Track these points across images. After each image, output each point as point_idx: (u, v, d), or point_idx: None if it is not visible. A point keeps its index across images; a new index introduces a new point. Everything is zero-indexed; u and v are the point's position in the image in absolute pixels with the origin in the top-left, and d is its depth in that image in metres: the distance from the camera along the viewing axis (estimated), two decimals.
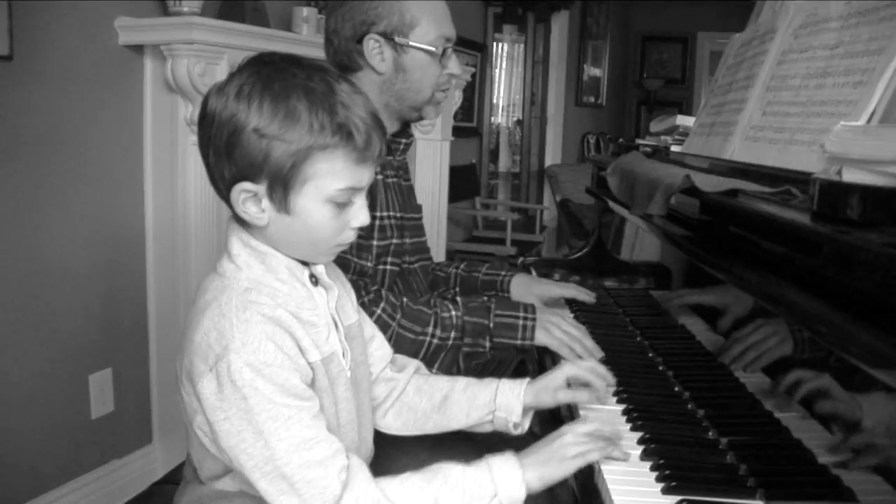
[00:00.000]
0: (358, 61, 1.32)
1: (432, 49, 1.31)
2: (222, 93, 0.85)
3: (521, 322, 1.27)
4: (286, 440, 0.82)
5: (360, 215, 0.90)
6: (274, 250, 0.89)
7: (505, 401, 1.04)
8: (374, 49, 1.30)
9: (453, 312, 1.27)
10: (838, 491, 0.74)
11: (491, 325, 1.27)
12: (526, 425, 1.06)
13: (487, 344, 1.28)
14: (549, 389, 1.05)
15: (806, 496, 0.80)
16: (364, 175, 0.88)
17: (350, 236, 0.91)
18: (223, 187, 0.87)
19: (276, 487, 0.83)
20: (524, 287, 1.51)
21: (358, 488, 0.84)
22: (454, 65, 1.36)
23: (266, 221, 0.87)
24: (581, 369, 1.07)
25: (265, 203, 0.86)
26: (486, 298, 1.31)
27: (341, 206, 0.87)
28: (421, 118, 1.40)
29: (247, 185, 0.85)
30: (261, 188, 0.85)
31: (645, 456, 0.93)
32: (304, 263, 0.93)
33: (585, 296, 1.49)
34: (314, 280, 0.94)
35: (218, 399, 0.83)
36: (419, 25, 1.29)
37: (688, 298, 1.29)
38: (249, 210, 0.86)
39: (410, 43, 1.29)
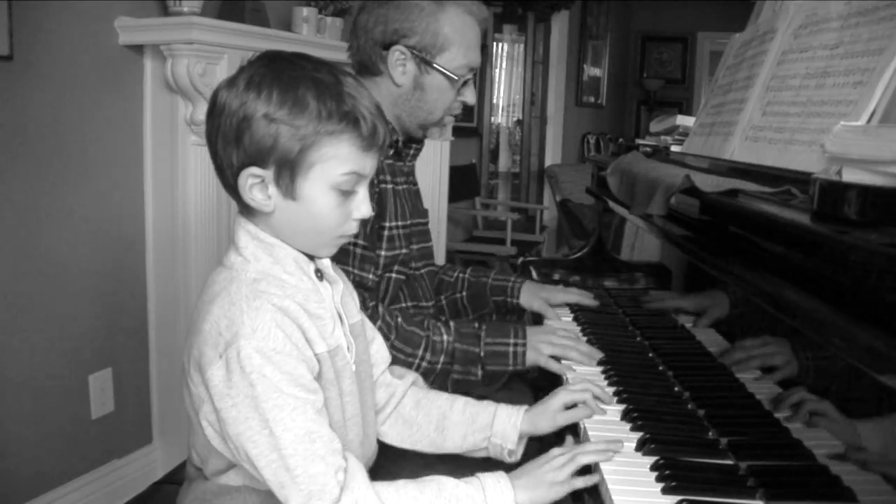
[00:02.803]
0: (379, 66, 1.31)
1: (454, 77, 1.30)
2: (232, 85, 0.87)
3: (511, 349, 1.27)
4: (291, 430, 0.83)
5: (362, 207, 0.91)
6: (281, 242, 0.91)
7: (501, 428, 1.05)
8: (398, 60, 1.29)
9: (445, 337, 1.26)
10: (838, 491, 0.74)
11: (482, 353, 1.26)
12: (520, 453, 1.06)
13: (479, 372, 1.27)
14: (546, 415, 1.05)
15: (806, 496, 0.80)
16: (368, 163, 0.90)
17: (353, 227, 0.93)
18: (231, 175, 0.88)
19: (278, 479, 0.83)
20: (532, 292, 1.52)
21: (357, 491, 0.84)
22: (470, 94, 1.36)
23: (272, 208, 0.88)
24: (575, 393, 1.07)
25: (272, 189, 0.87)
26: (476, 325, 1.30)
27: (345, 194, 0.89)
28: (424, 136, 1.41)
29: (255, 170, 0.86)
30: (268, 174, 0.87)
31: (645, 456, 0.93)
32: (310, 258, 0.94)
33: (589, 300, 1.50)
34: (319, 274, 0.95)
35: (226, 386, 0.83)
36: (448, 50, 1.29)
37: (669, 303, 1.29)
38: (256, 197, 0.88)
39: (435, 65, 1.29)
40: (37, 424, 1.85)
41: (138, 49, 2.00)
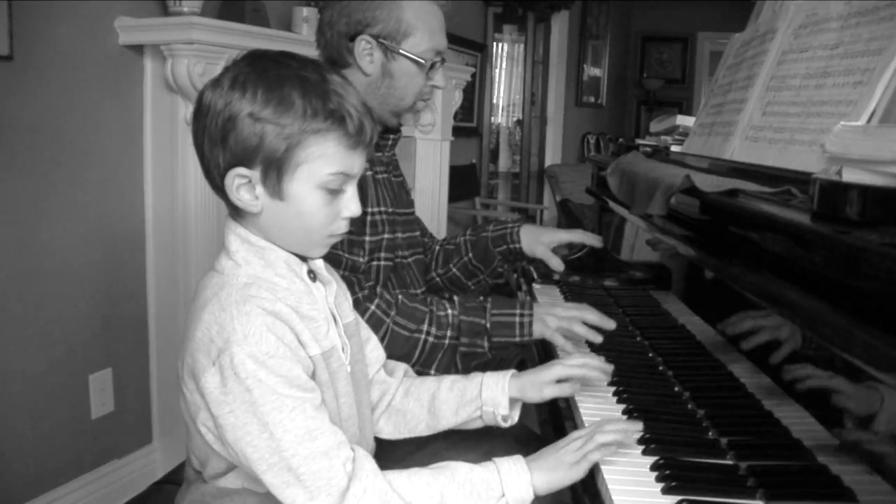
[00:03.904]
0: (347, 58, 1.32)
1: (421, 61, 1.31)
2: (217, 85, 0.87)
3: (517, 319, 1.27)
4: (291, 431, 0.82)
5: (351, 205, 0.91)
6: (272, 245, 0.90)
7: (490, 395, 1.04)
8: (365, 50, 1.30)
9: (449, 311, 1.27)
10: (838, 491, 0.74)
11: (488, 324, 1.27)
12: (516, 416, 1.06)
13: (486, 344, 1.27)
14: (535, 385, 1.05)
15: (806, 496, 0.80)
16: (356, 162, 0.89)
17: (342, 226, 0.92)
18: (217, 176, 0.88)
19: (281, 479, 0.83)
20: (533, 236, 1.52)
21: (366, 479, 0.84)
22: (440, 78, 1.38)
23: (260, 208, 0.88)
24: (571, 368, 1.06)
25: (259, 189, 0.87)
26: (482, 298, 1.31)
27: (333, 193, 0.89)
28: (400, 125, 1.42)
29: (241, 170, 0.86)
30: (255, 174, 0.86)
31: (645, 456, 0.93)
32: (302, 259, 0.93)
33: (593, 240, 1.51)
34: (312, 275, 0.95)
35: (222, 393, 0.83)
36: (413, 35, 1.30)
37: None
38: (243, 197, 0.87)
39: (401, 51, 1.30)
40: (37, 424, 1.85)
41: (138, 49, 2.00)
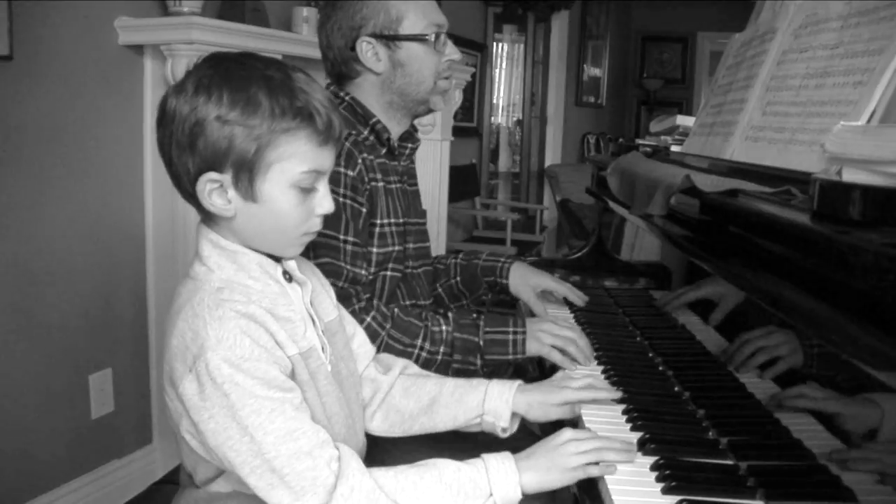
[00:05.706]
0: (355, 67, 1.33)
1: (424, 36, 1.31)
2: (181, 90, 0.86)
3: (510, 337, 1.27)
4: (272, 433, 0.82)
5: (324, 203, 0.90)
6: (244, 248, 0.90)
7: (493, 406, 1.04)
8: (368, 51, 1.31)
9: (444, 327, 1.26)
10: (838, 491, 0.74)
11: (481, 342, 1.26)
12: (514, 428, 1.05)
13: (479, 361, 1.27)
14: (542, 406, 1.04)
15: (806, 496, 0.80)
16: (326, 158, 0.89)
17: (316, 224, 0.92)
18: (188, 182, 0.87)
19: (265, 482, 0.82)
20: (522, 276, 1.51)
21: (353, 478, 0.84)
22: (451, 49, 1.37)
23: (233, 212, 0.87)
24: (580, 392, 1.05)
25: (231, 193, 0.86)
26: (475, 315, 1.30)
27: (306, 191, 0.88)
28: (429, 110, 1.41)
29: (212, 175, 0.85)
30: (226, 177, 0.85)
31: (645, 456, 0.93)
32: (277, 260, 0.93)
33: (576, 297, 1.48)
34: (287, 276, 0.94)
35: (200, 399, 0.82)
36: (406, 18, 1.30)
37: (685, 297, 1.29)
38: (216, 202, 0.86)
39: (401, 35, 1.30)
40: (37, 424, 1.85)
41: (138, 49, 2.00)
